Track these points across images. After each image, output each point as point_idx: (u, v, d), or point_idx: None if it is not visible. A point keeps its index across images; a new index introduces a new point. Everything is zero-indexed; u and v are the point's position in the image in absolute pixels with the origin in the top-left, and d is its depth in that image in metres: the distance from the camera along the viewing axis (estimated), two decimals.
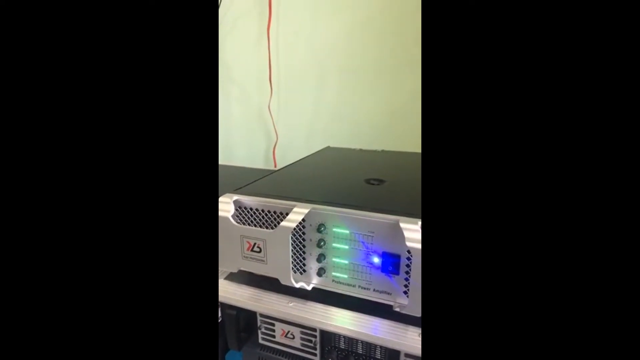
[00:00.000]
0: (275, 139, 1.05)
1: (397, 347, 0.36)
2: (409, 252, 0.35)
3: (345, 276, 0.39)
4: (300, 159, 0.63)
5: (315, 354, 0.43)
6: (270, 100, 1.02)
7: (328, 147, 0.77)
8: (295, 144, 1.04)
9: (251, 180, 0.49)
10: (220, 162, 1.00)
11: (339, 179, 0.52)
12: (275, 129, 1.04)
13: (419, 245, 0.33)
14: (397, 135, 0.91)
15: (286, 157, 1.05)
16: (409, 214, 0.36)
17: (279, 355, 0.45)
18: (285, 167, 0.58)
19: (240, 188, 0.45)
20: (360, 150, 0.73)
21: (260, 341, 0.45)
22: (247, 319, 0.45)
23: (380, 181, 0.49)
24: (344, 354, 0.42)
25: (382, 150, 0.72)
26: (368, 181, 0.49)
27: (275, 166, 1.06)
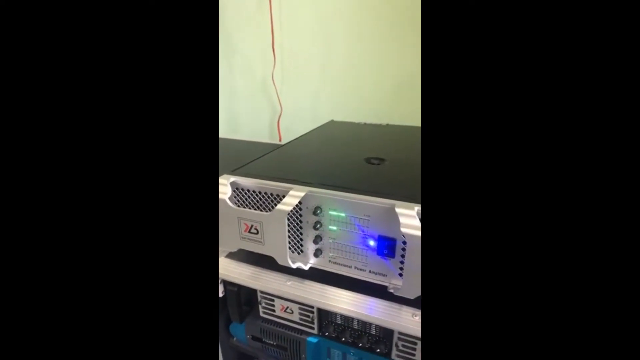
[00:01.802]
0: (280, 111, 1.03)
1: (390, 327, 0.37)
2: (404, 236, 0.35)
3: (342, 257, 0.40)
4: (301, 135, 0.62)
5: (313, 327, 0.44)
6: (273, 70, 0.99)
7: (332, 121, 0.75)
8: (300, 115, 1.02)
9: (252, 158, 0.48)
10: (224, 136, 0.99)
11: (339, 158, 0.51)
12: (279, 100, 1.02)
13: (414, 232, 0.33)
14: (405, 106, 0.87)
15: (291, 128, 1.04)
16: (405, 197, 0.35)
17: (279, 327, 0.47)
18: (286, 144, 0.57)
19: (238, 169, 0.45)
20: (365, 124, 0.71)
21: (261, 314, 0.47)
22: (248, 294, 0.47)
23: (381, 160, 0.47)
24: (340, 328, 0.43)
25: (387, 125, 0.70)
26: (368, 160, 0.47)
27: (280, 139, 1.04)
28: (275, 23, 0.94)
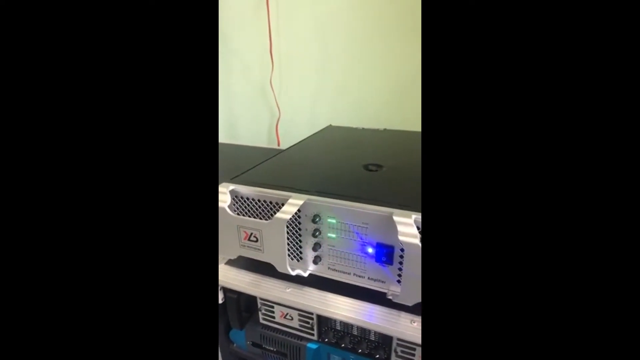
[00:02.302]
0: (278, 115, 1.03)
1: (389, 333, 0.37)
2: (402, 244, 0.35)
3: (341, 264, 0.40)
4: (299, 141, 0.62)
5: (312, 334, 0.45)
6: (271, 75, 0.99)
7: (330, 126, 0.75)
8: (298, 120, 1.03)
9: (252, 164, 0.49)
10: (222, 140, 1.00)
11: (337, 165, 0.51)
12: (277, 104, 1.02)
13: (412, 240, 0.33)
14: (403, 111, 0.88)
15: (289, 132, 1.04)
16: (403, 205, 0.35)
17: (279, 333, 0.47)
18: (284, 151, 0.57)
19: (237, 176, 0.45)
20: (363, 129, 0.71)
21: (261, 321, 0.48)
22: (248, 301, 0.47)
23: (379, 166, 0.48)
24: (340, 334, 0.44)
25: (385, 130, 0.70)
26: (366, 167, 0.48)
27: (278, 143, 1.05)
28: (272, 28, 0.94)
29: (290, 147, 0.59)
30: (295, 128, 1.03)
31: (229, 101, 1.11)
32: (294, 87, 1.00)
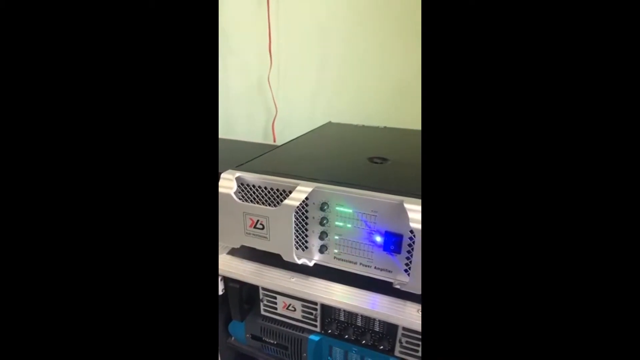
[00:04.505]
0: (275, 113, 1.03)
1: (395, 322, 0.37)
2: (411, 232, 0.35)
3: (347, 254, 0.40)
4: (301, 135, 0.62)
5: (315, 325, 0.44)
6: (269, 72, 0.99)
7: (329, 122, 0.76)
8: (295, 118, 1.02)
9: (252, 157, 0.48)
10: (219, 136, 0.98)
11: (342, 157, 0.52)
12: (275, 102, 1.02)
13: None
14: (402, 110, 0.89)
15: (285, 131, 1.04)
16: (413, 194, 0.36)
17: (281, 325, 0.46)
18: (287, 143, 0.57)
19: (242, 164, 0.44)
20: (363, 126, 0.72)
21: (262, 312, 0.47)
22: (249, 291, 0.47)
23: (384, 159, 0.48)
24: (343, 326, 0.43)
25: (385, 127, 0.71)
26: (371, 159, 0.48)
27: (274, 141, 1.04)
28: (272, 25, 0.95)
29: (293, 139, 0.59)
30: (291, 126, 1.03)
31: (225, 98, 1.10)
32: (291, 85, 1.00)
